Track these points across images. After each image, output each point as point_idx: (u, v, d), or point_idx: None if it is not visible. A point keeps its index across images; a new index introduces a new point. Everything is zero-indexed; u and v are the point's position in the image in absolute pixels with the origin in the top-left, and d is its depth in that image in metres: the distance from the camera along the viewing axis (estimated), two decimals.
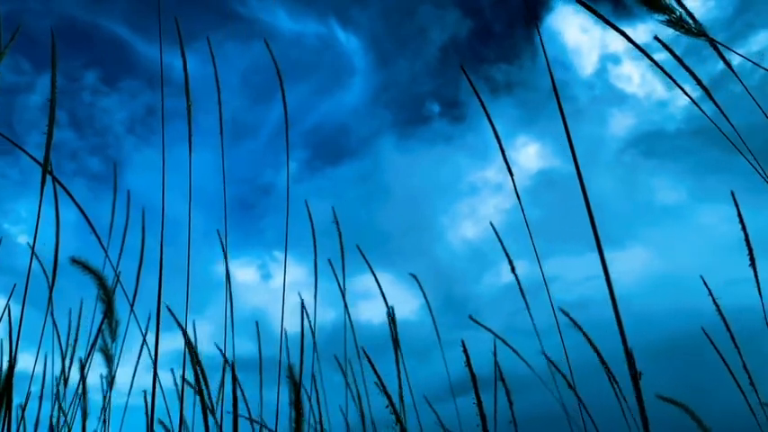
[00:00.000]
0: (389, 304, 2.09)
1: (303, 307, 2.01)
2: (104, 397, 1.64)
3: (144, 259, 1.73)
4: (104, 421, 1.65)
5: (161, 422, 1.71)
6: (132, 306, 1.52)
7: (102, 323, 1.46)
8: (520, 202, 1.55)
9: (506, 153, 1.53)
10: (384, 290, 2.15)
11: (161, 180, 1.46)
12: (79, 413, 1.61)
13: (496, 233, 1.76)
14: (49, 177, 1.28)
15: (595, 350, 1.71)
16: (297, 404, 1.15)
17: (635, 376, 1.69)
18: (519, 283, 1.66)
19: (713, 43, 1.28)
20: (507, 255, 1.73)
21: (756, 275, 1.57)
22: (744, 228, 1.58)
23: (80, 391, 1.60)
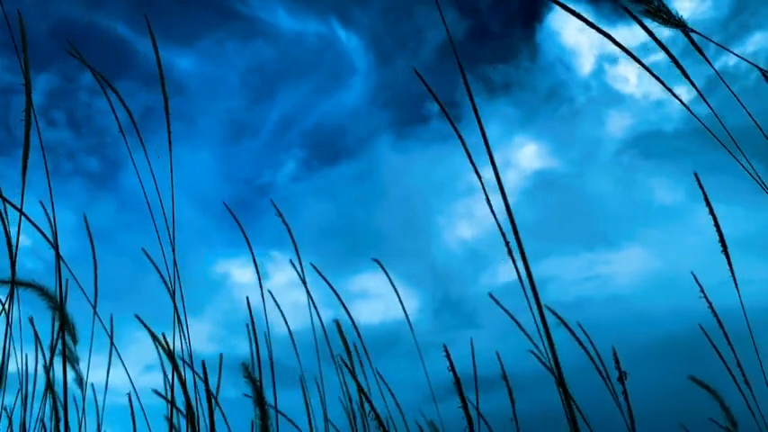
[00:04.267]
0: (393, 311, 2.09)
1: (249, 304, 2.01)
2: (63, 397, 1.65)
3: (136, 256, 1.73)
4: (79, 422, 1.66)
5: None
6: (95, 308, 1.53)
7: (60, 329, 1.47)
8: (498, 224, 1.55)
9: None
10: (381, 290, 2.16)
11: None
12: (48, 414, 1.62)
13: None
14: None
15: (584, 348, 1.72)
16: (259, 401, 1.15)
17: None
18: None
19: (687, 32, 1.27)
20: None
21: (731, 265, 1.57)
22: (714, 218, 1.57)
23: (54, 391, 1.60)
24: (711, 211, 1.54)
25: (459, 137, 1.41)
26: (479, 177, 1.47)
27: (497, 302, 1.89)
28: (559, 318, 1.78)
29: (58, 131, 5.11)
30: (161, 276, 1.46)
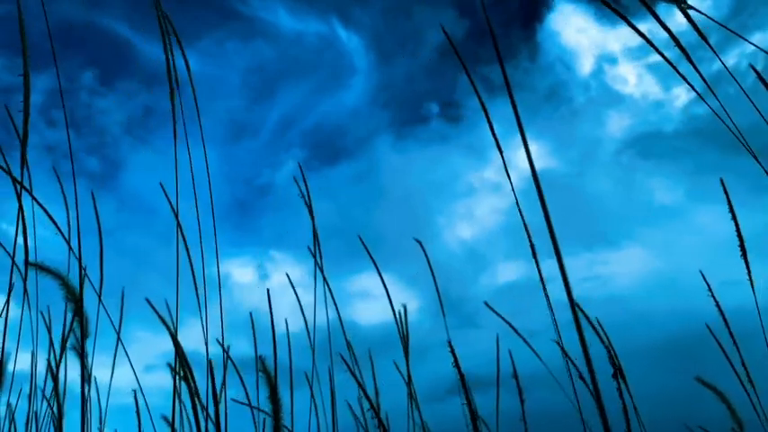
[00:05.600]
0: (399, 304, 2.09)
1: (270, 297, 2.00)
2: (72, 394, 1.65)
3: (136, 257, 1.73)
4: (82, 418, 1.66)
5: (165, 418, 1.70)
6: (100, 300, 1.52)
7: (72, 321, 1.46)
8: (518, 205, 1.55)
9: (504, 157, 1.52)
10: (381, 290, 2.15)
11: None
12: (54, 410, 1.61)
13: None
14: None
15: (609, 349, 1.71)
16: (273, 397, 1.15)
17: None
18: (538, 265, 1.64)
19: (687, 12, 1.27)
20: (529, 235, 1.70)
21: (748, 267, 1.56)
22: (734, 218, 1.56)
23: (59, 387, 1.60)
24: (734, 217, 1.53)
25: (483, 107, 1.39)
26: (500, 152, 1.46)
27: (493, 310, 1.89)
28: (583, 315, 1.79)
29: (58, 131, 5.10)
30: (177, 273, 1.44)
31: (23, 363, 1.65)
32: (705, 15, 1.24)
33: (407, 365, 1.98)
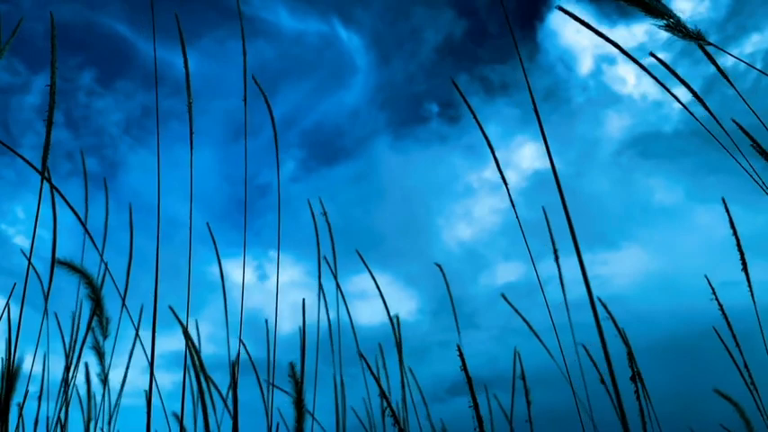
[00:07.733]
0: (392, 311, 2.09)
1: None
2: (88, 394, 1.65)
3: (135, 257, 1.73)
4: (90, 419, 1.66)
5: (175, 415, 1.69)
6: (124, 303, 1.52)
7: (90, 320, 1.46)
8: (515, 210, 1.55)
9: (499, 161, 1.53)
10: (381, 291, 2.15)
11: (157, 180, 1.46)
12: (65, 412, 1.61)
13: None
14: (47, 181, 1.29)
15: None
16: (299, 403, 1.15)
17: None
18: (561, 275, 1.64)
19: (706, 47, 1.28)
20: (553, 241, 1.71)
21: (748, 278, 1.57)
22: (735, 233, 1.57)
23: (75, 389, 1.60)
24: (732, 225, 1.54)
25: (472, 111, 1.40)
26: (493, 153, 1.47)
27: (510, 304, 1.89)
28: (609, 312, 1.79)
29: (57, 131, 5.10)
30: (189, 277, 1.44)
31: (27, 364, 1.64)
32: (714, 45, 1.24)
33: (402, 372, 1.99)
